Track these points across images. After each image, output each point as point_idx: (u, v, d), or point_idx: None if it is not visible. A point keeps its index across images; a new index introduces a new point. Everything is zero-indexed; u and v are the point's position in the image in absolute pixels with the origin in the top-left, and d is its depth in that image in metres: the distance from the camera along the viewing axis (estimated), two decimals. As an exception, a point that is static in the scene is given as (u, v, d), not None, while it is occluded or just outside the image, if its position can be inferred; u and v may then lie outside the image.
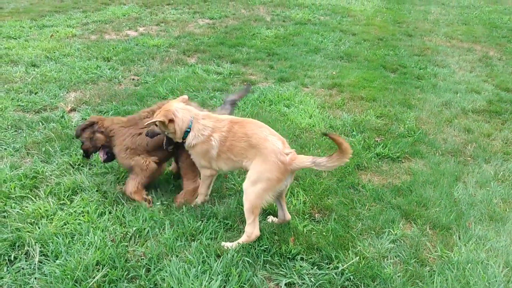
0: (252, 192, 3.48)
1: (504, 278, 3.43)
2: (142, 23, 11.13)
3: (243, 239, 3.61)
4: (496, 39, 11.41)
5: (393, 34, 11.42)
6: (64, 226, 3.74)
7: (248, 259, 3.45)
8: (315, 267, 3.48)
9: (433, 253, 3.72)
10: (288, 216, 3.88)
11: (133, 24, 10.91)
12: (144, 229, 3.76)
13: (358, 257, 3.54)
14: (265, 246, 3.60)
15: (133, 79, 7.36)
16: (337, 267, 3.47)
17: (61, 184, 4.29)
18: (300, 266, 3.46)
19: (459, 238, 3.90)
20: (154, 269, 3.32)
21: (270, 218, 3.99)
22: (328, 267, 3.48)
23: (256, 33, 10.70)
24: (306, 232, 3.83)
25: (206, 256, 3.46)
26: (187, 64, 8.21)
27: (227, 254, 3.45)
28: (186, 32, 10.48)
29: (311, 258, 3.56)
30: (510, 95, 7.49)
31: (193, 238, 3.69)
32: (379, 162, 5.14)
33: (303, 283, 3.35)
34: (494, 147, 5.64)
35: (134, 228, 3.73)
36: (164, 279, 3.21)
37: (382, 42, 10.68)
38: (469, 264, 3.52)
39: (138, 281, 3.24)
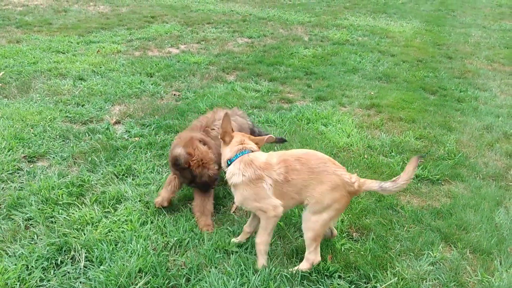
0: (318, 221, 3.41)
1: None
2: (184, 41, 11.44)
3: (305, 266, 3.57)
4: (541, 63, 11.15)
5: (433, 56, 11.33)
6: (109, 233, 3.88)
7: (286, 274, 3.49)
8: (353, 286, 3.48)
9: (473, 277, 3.66)
10: (335, 232, 3.90)
11: (175, 42, 11.22)
12: (184, 239, 3.86)
13: (396, 278, 3.52)
14: (303, 262, 3.64)
15: (174, 94, 7.56)
16: (375, 287, 3.46)
17: (106, 193, 4.45)
18: (338, 284, 3.47)
19: (500, 263, 3.82)
20: (194, 279, 3.40)
21: None
22: (366, 287, 3.48)
23: (294, 52, 10.83)
24: (344, 251, 3.84)
25: (245, 269, 3.52)
26: (226, 81, 8.39)
27: (265, 268, 3.50)
28: (225, 50, 10.71)
29: (349, 276, 3.56)
30: (554, 121, 7.30)
31: (232, 251, 3.75)
32: (418, 184, 5.10)
33: (339, 302, 3.36)
34: (539, 172, 5.51)
35: (175, 238, 3.83)
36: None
37: (421, 63, 10.61)
38: (512, 291, 3.45)
39: (178, 290, 3.32)
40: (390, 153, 5.78)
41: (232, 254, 3.70)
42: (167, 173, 4.91)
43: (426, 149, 5.96)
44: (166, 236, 3.92)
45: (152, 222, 4.08)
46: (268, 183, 3.40)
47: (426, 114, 7.27)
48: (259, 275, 3.44)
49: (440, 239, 4.10)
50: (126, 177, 4.82)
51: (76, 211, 4.14)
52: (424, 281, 3.59)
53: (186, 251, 3.76)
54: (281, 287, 3.35)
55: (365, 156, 5.62)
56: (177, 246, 3.81)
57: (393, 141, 6.13)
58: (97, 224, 4.01)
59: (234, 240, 3.88)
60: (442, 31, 14.94)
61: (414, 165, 3.37)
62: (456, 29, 15.42)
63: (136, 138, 5.77)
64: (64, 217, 4.05)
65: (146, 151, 5.39)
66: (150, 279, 3.36)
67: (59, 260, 3.56)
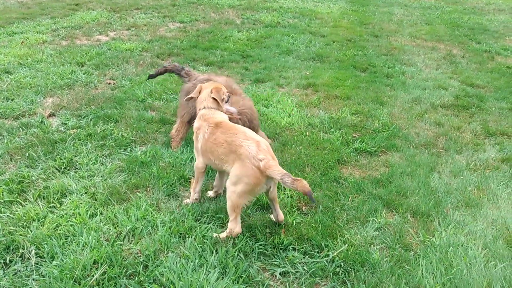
0: (233, 192, 3.60)
1: (483, 259, 3.66)
2: (112, 27, 11.08)
3: (224, 234, 3.73)
4: (458, 38, 11.91)
5: (360, 35, 11.76)
6: (57, 228, 3.76)
7: (243, 251, 3.57)
8: (307, 256, 3.63)
9: (415, 238, 3.93)
10: (281, 217, 3.98)
11: (103, 29, 10.85)
12: (137, 228, 3.82)
13: (346, 245, 3.71)
14: (259, 239, 3.73)
15: (109, 83, 7.35)
16: (328, 255, 3.63)
17: (49, 187, 4.30)
18: (293, 256, 3.60)
19: (439, 223, 4.12)
20: (152, 265, 3.39)
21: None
22: (319, 256, 3.63)
23: (228, 36, 10.83)
24: (295, 224, 3.98)
25: (202, 250, 3.56)
26: (163, 68, 8.24)
27: (222, 248, 3.56)
28: (157, 36, 10.51)
29: (303, 248, 3.70)
30: (475, 90, 7.88)
31: (187, 235, 3.77)
32: (358, 157, 5.35)
33: (297, 271, 3.49)
34: (464, 139, 5.94)
35: (127, 228, 3.78)
36: (163, 274, 3.29)
37: (350, 43, 10.99)
38: (451, 247, 3.74)
39: (137, 277, 3.30)
40: (330, 129, 6.00)
41: (188, 237, 3.73)
42: (111, 163, 4.81)
43: (362, 123, 6.25)
44: (117, 226, 3.86)
45: (101, 214, 4.00)
46: (200, 135, 3.98)
47: (359, 90, 7.58)
48: (216, 255, 3.50)
49: (382, 206, 4.35)
50: (68, 170, 4.67)
51: (20, 208, 3.97)
52: (372, 245, 3.81)
53: (140, 239, 3.72)
54: (240, 264, 3.41)
55: (307, 134, 5.79)
56: (131, 235, 3.77)
57: (331, 118, 6.36)
58: (43, 219, 3.87)
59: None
60: (367, 10, 15.50)
61: (302, 190, 3.41)
62: (379, 8, 16.06)
63: (74, 130, 5.58)
64: (7, 215, 3.87)
65: (87, 142, 5.23)
66: (106, 269, 3.31)
67: (7, 259, 3.42)
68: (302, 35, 11.35)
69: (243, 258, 3.52)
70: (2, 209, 3.95)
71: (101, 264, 3.36)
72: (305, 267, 3.51)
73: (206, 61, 8.78)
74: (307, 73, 8.39)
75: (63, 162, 4.75)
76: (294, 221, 4.03)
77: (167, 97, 6.84)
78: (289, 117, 6.29)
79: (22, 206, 4.03)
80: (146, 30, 10.96)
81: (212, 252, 3.54)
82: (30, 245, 3.52)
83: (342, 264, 3.54)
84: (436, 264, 3.56)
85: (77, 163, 4.78)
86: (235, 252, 3.55)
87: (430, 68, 9.23)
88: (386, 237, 3.91)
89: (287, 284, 3.38)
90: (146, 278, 3.28)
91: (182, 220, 3.92)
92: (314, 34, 11.61)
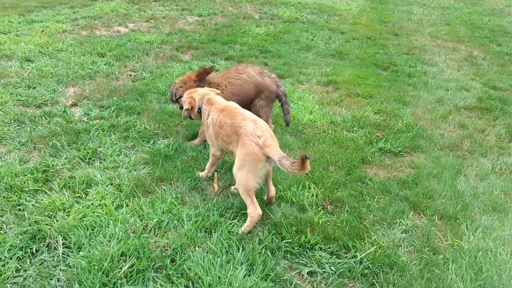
0: (241, 176, 3.68)
1: (513, 264, 3.59)
2: (131, 19, 11.06)
3: (248, 221, 3.74)
4: (479, 40, 11.74)
5: (380, 33, 11.64)
6: (83, 219, 3.75)
7: (270, 248, 3.54)
8: (334, 256, 3.59)
9: (443, 242, 3.87)
10: (272, 193, 4.06)
11: (122, 20, 10.83)
12: (163, 221, 3.80)
13: (375, 247, 3.65)
14: (285, 237, 3.69)
15: (130, 75, 7.33)
16: (355, 256, 3.58)
17: (74, 177, 4.29)
18: (320, 256, 3.56)
19: (467, 227, 4.06)
20: (179, 259, 3.36)
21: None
22: (346, 256, 3.59)
23: (246, 30, 10.77)
24: (321, 224, 3.93)
25: (228, 246, 3.53)
26: (182, 61, 8.23)
27: (249, 244, 3.52)
28: (176, 29, 10.47)
29: (329, 247, 3.66)
30: (498, 93, 7.76)
31: (212, 230, 3.74)
32: (382, 157, 5.28)
33: (324, 271, 3.45)
34: (489, 142, 5.85)
35: (154, 221, 3.76)
36: (190, 268, 3.26)
37: (370, 40, 10.88)
38: (480, 252, 3.68)
39: (164, 270, 3.28)
40: (353, 128, 5.93)
41: (214, 232, 3.69)
42: (135, 155, 4.80)
43: (385, 123, 6.17)
44: (143, 218, 3.84)
45: (127, 205, 3.98)
46: (209, 120, 4.14)
47: (381, 89, 7.49)
48: (243, 251, 3.47)
49: (409, 208, 4.29)
50: (92, 161, 4.65)
51: (45, 198, 3.96)
52: (400, 248, 3.75)
53: (166, 233, 3.70)
54: (267, 262, 3.38)
55: (330, 132, 5.73)
56: (157, 228, 3.75)
57: (353, 116, 6.29)
58: (69, 209, 3.86)
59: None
60: (385, 8, 15.36)
61: (300, 164, 3.41)
62: (398, 6, 15.90)
63: (97, 121, 5.56)
64: (33, 204, 3.86)
65: (110, 133, 5.21)
66: (134, 262, 3.29)
67: (34, 249, 3.41)
68: (321, 31, 11.26)
69: (270, 255, 3.48)
70: (28, 198, 3.94)
71: (129, 257, 3.34)
72: (332, 268, 3.47)
73: (225, 55, 8.72)
74: (328, 70, 8.30)
75: (87, 153, 4.74)
76: (320, 221, 3.98)
77: (188, 90, 6.79)
78: (310, 114, 6.23)
79: (47, 195, 4.02)
80: (165, 23, 10.92)
81: (239, 249, 3.50)
82: (57, 235, 3.51)
83: (370, 265, 3.50)
84: (466, 268, 3.49)
85: (101, 154, 4.77)
86: (262, 249, 3.52)
87: (452, 69, 9.10)
88: (414, 240, 3.85)
89: (314, 284, 3.34)
90: (174, 272, 3.25)
91: (208, 215, 3.89)
92: (333, 30, 11.51)
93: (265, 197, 4.13)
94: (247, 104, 5.26)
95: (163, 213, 3.91)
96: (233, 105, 4.18)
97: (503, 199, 4.58)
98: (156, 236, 3.66)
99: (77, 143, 4.94)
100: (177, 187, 4.32)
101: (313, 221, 3.95)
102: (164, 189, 4.25)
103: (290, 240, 3.66)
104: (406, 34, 11.79)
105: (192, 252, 3.44)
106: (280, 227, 3.81)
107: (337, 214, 4.13)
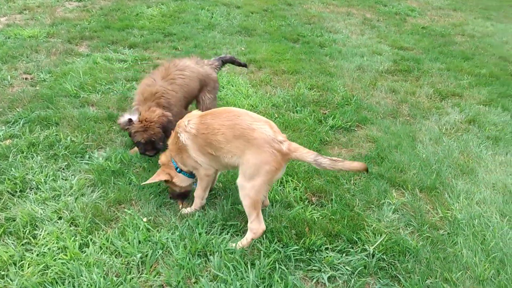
0: (251, 188, 3.16)
1: (508, 227, 3.65)
2: (1, 12, 9.48)
3: (249, 237, 3.31)
4: (366, 2, 12.15)
5: (275, 4, 11.45)
6: (46, 271, 3.00)
7: (280, 260, 3.16)
8: (344, 254, 3.32)
9: (435, 216, 3.82)
10: (267, 202, 3.71)
11: (-12, 14, 9.24)
12: (145, 253, 3.20)
13: (383, 237, 3.45)
14: (287, 244, 3.33)
15: (26, 78, 6.21)
16: (365, 250, 3.36)
17: (13, 219, 3.45)
18: (330, 257, 3.26)
19: (449, 196, 4.06)
20: (187, 298, 2.84)
21: None
22: (356, 251, 3.35)
23: (139, 12, 9.84)
24: (314, 219, 3.64)
25: (234, 268, 3.07)
26: (81, 54, 7.22)
27: (259, 261, 3.11)
28: (58, 18, 9.18)
29: (336, 246, 3.39)
30: (408, 53, 8.06)
31: (207, 252, 3.24)
32: (336, 134, 5.11)
33: (341, 273, 3.17)
34: (424, 104, 6.00)
35: (138, 256, 3.14)
36: (206, 307, 2.77)
37: (268, 13, 10.64)
38: (476, 220, 3.69)
39: (175, 316, 2.75)
40: (295, 108, 5.67)
41: (211, 255, 3.20)
42: (74, 177, 4.02)
43: (323, 98, 6.01)
44: (119, 255, 3.20)
45: (94, 243, 3.28)
46: (184, 137, 3.38)
47: (302, 63, 7.32)
48: (252, 270, 3.05)
49: (389, 186, 4.17)
50: (25, 193, 3.79)
51: (-16, 253, 3.12)
52: (400, 229, 3.61)
53: (154, 268, 3.12)
54: (286, 277, 3.00)
55: (276, 116, 5.41)
56: (140, 263, 3.14)
57: (291, 95, 6.02)
58: (22, 262, 3.07)
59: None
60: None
61: (358, 169, 3.19)
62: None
63: (8, 141, 4.58)
64: (-29, 266, 3.01)
65: (33, 154, 4.32)
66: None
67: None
68: (216, 7, 10.72)
69: (285, 269, 3.10)
70: (-39, 258, 3.06)
71: (126, 310, 2.73)
72: (347, 268, 3.21)
73: (127, 43, 7.85)
74: (243, 49, 7.92)
75: (15, 184, 3.85)
76: (312, 216, 3.68)
77: (102, 89, 5.95)
78: (248, 98, 5.83)
79: (-16, 249, 3.17)
80: (43, 13, 9.52)
81: (247, 267, 3.07)
82: (22, 300, 2.75)
83: (384, 257, 3.29)
84: (473, 240, 3.47)
85: (33, 182, 3.91)
86: (273, 263, 3.12)
87: (356, 34, 9.26)
88: (410, 219, 3.74)
89: (337, 289, 3.06)
90: (188, 316, 2.73)
91: (194, 236, 3.36)
92: (228, 5, 11.04)
93: None
94: (191, 102, 4.72)
95: (139, 243, 3.30)
96: (219, 108, 3.60)
97: (464, 160, 4.69)
98: (144, 274, 3.06)
99: (-4, 174, 4.01)
100: (141, 208, 3.70)
101: (307, 219, 3.63)
102: (130, 213, 3.60)
103: (297, 247, 3.30)
104: (299, 3, 11.75)
105: (195, 285, 2.93)
106: (278, 233, 3.43)
107: (324, 205, 3.86)
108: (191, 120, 3.38)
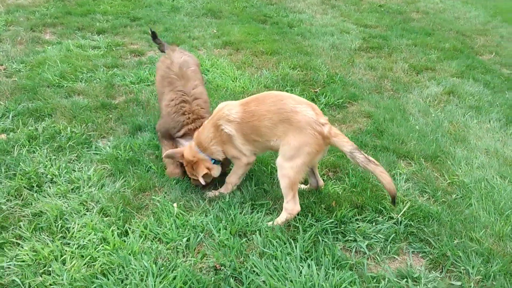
0: (291, 168, 3.23)
1: (511, 188, 3.97)
2: None
3: (284, 216, 3.39)
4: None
5: (232, -15, 11.39)
6: (93, 264, 2.95)
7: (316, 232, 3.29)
8: (374, 224, 3.49)
9: (443, 182, 4.08)
10: (321, 182, 3.76)
11: None
12: (187, 237, 3.21)
13: (406, 206, 3.63)
14: (320, 218, 3.46)
15: (-3, 69, 5.88)
16: (392, 218, 3.54)
17: (42, 214, 3.33)
18: (363, 227, 3.42)
19: (451, 163, 4.33)
20: (246, 278, 2.89)
21: (302, 186, 3.80)
22: (384, 220, 3.53)
23: (97, -3, 9.48)
24: (337, 192, 3.78)
25: (278, 245, 3.16)
26: (50, 42, 6.89)
27: (299, 236, 3.21)
28: (12, 5, 8.66)
29: (365, 216, 3.54)
30: (374, 31, 8.35)
31: (248, 231, 3.30)
32: (331, 111, 5.27)
33: (376, 241, 3.34)
34: (402, 78, 6.29)
35: (183, 239, 3.15)
36: (265, 282, 2.84)
37: (228, -7, 10.58)
38: (482, 183, 3.98)
39: (238, 295, 2.80)
40: (285, 88, 5.76)
41: (251, 234, 3.27)
42: (88, 168, 3.91)
43: (309, 77, 6.14)
44: (161, 241, 3.19)
45: (132, 231, 3.24)
46: (229, 128, 3.36)
47: (278, 43, 7.40)
48: (296, 244, 3.14)
49: (395, 157, 4.38)
50: (43, 188, 3.65)
51: (20, 250, 2.99)
52: (417, 197, 3.83)
53: (198, 251, 3.14)
54: (333, 250, 3.13)
55: (270, 96, 5.47)
56: (185, 248, 3.15)
57: (277, 75, 6.10)
58: (63, 257, 2.98)
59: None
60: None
61: (389, 188, 3.20)
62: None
63: (3, 135, 4.36)
64: (14, 263, 2.89)
65: (36, 148, 4.14)
66: (200, 296, 2.73)
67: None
68: (175, -11, 10.52)
69: (328, 242, 3.23)
70: None
71: (189, 293, 2.75)
72: (379, 235, 3.38)
73: (95, 28, 7.57)
74: (214, 31, 7.86)
75: (31, 178, 3.69)
76: (333, 189, 3.82)
77: (85, 77, 5.74)
78: (236, 81, 5.85)
79: (16, 247, 3.04)
80: (-9, -1, 8.94)
81: (290, 244, 3.16)
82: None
83: (411, 223, 3.49)
84: (485, 201, 3.75)
85: (47, 176, 3.77)
86: (314, 236, 3.24)
87: (320, 14, 9.45)
88: (423, 187, 3.97)
89: (376, 256, 3.22)
90: (251, 292, 2.79)
91: (230, 218, 3.40)
92: (186, -13, 10.85)
93: (307, 187, 3.80)
94: None
95: (177, 228, 3.30)
96: (259, 94, 3.52)
97: (454, 129, 5.00)
98: (190, 258, 3.08)
99: (1, 169, 3.81)
100: (167, 194, 3.68)
101: (330, 193, 3.77)
102: (158, 200, 3.57)
103: (332, 220, 3.43)
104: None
105: (250, 265, 2.99)
106: (309, 208, 3.54)
107: (342, 179, 4.02)
108: (232, 110, 3.37)
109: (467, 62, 7.04)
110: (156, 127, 4.15)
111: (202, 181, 3.51)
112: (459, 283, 2.99)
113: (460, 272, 3.07)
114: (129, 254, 3.01)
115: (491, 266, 3.08)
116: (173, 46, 4.54)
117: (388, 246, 3.29)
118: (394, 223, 3.49)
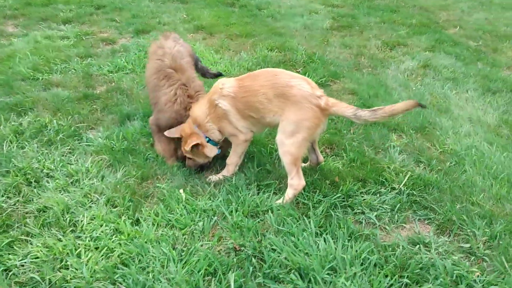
0: (292, 144, 3.25)
1: (499, 152, 4.16)
2: None
3: (291, 193, 3.41)
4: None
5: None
6: (110, 255, 2.88)
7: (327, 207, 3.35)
8: (378, 195, 3.58)
9: (435, 151, 4.22)
10: (321, 158, 3.81)
11: None
12: (198, 222, 3.19)
13: (407, 177, 3.74)
14: (327, 194, 3.51)
15: (-37, 64, 5.57)
16: (394, 188, 3.64)
17: (44, 210, 3.21)
18: (369, 199, 3.50)
19: (439, 133, 4.48)
20: (267, 256, 2.90)
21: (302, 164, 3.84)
22: (386, 191, 3.62)
23: (53, -15, 9.09)
24: (338, 168, 3.85)
25: (293, 222, 3.19)
26: (15, 35, 6.59)
27: (311, 212, 3.26)
28: (-36, -3, 8.20)
29: (369, 189, 3.62)
30: (341, 10, 8.46)
31: (260, 211, 3.31)
32: (315, 90, 5.32)
33: (383, 212, 3.43)
34: (378, 55, 6.43)
35: (200, 224, 3.13)
36: (287, 258, 2.87)
37: (190, -22, 10.40)
38: (473, 150, 4.15)
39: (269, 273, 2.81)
40: (268, 69, 5.76)
41: (263, 214, 3.28)
42: (84, 160, 3.80)
43: (287, 57, 6.16)
44: (174, 227, 3.15)
45: (144, 220, 3.19)
46: (223, 103, 3.37)
47: (251, 26, 7.37)
48: (309, 220, 3.19)
49: (387, 130, 4.49)
50: (41, 183, 3.51)
51: (32, 247, 2.89)
52: (413, 167, 3.95)
53: (213, 234, 3.13)
54: (347, 223, 3.19)
55: (254, 78, 5.46)
56: (200, 232, 3.13)
57: (257, 58, 6.09)
58: (78, 251, 2.90)
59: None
60: None
61: (407, 107, 3.24)
62: None
63: (-15, 131, 4.16)
64: (30, 261, 2.79)
65: (24, 142, 3.98)
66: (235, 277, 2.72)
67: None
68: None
69: (340, 215, 3.29)
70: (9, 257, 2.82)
71: (214, 275, 2.75)
72: (385, 206, 3.47)
73: (60, 18, 7.32)
74: (184, 16, 7.74)
75: (24, 174, 3.55)
76: (333, 165, 3.89)
77: (59, 69, 5.54)
78: (216, 65, 5.79)
79: (26, 244, 2.94)
80: None
81: (303, 220, 3.20)
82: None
83: (413, 192, 3.60)
84: (478, 166, 3.92)
85: (40, 170, 3.63)
86: (326, 211, 3.30)
87: (287, -4, 9.46)
88: (418, 157, 4.09)
89: (386, 226, 3.31)
90: (275, 270, 2.81)
91: (240, 201, 3.39)
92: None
93: (307, 164, 3.82)
94: None
95: (188, 213, 3.27)
96: (258, 71, 3.53)
97: (436, 100, 5.18)
98: (206, 241, 3.06)
99: (-4, 166, 3.65)
100: (171, 181, 3.63)
101: (331, 169, 3.83)
102: (163, 187, 3.52)
103: (339, 194, 3.49)
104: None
105: (269, 244, 3.00)
106: (313, 184, 3.59)
107: (339, 155, 4.09)
108: (226, 84, 3.36)
109: (435, 36, 7.25)
110: (151, 121, 4.01)
111: (188, 149, 3.48)
112: (468, 245, 3.12)
113: (467, 234, 3.19)
114: (146, 242, 2.97)
115: (495, 227, 3.22)
116: (167, 33, 4.40)
117: (396, 216, 3.39)
118: (397, 194, 3.59)
